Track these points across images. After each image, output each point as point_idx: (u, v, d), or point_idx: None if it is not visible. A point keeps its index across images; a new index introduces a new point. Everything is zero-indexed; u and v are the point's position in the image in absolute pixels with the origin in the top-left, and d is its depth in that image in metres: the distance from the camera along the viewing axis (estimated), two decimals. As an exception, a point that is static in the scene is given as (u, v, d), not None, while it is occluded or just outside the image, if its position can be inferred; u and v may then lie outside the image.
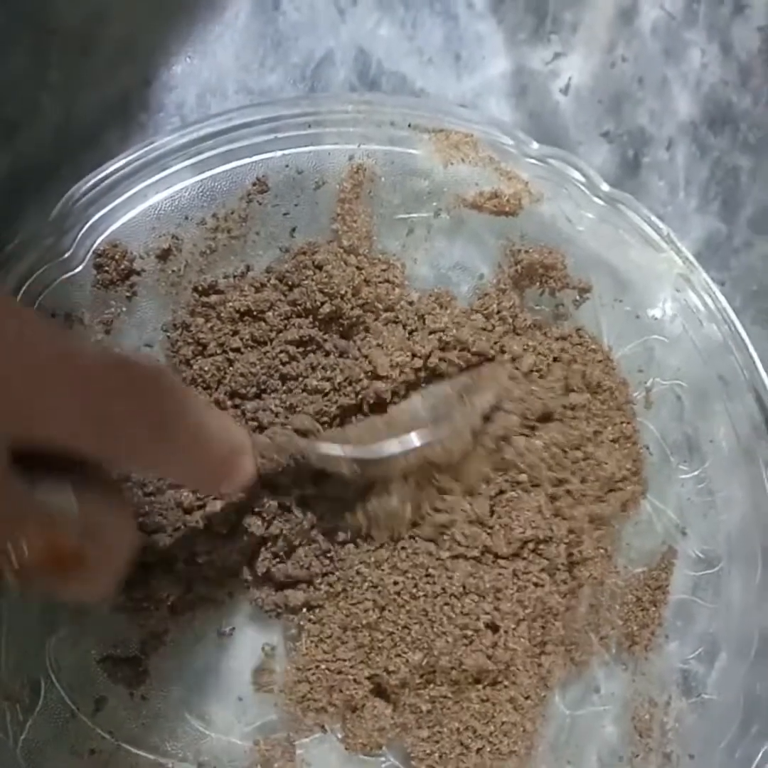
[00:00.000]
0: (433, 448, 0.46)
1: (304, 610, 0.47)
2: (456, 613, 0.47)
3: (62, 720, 0.43)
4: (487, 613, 0.47)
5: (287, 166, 0.47)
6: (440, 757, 0.47)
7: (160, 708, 0.45)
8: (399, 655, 0.47)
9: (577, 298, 0.51)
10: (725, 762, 0.51)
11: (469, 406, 0.47)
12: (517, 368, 0.49)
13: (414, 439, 0.46)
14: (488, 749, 0.48)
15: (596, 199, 0.51)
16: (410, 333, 0.48)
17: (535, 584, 0.49)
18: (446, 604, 0.47)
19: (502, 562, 0.48)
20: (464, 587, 0.47)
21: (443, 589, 0.47)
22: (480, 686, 0.48)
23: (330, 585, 0.47)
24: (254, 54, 0.49)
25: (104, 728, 0.43)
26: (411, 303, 0.48)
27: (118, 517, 0.33)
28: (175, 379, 0.39)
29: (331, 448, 0.44)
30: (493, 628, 0.48)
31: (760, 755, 0.51)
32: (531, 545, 0.49)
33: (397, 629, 0.47)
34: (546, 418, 0.49)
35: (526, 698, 0.49)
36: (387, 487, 0.46)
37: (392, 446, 0.45)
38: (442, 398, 0.47)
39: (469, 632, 0.47)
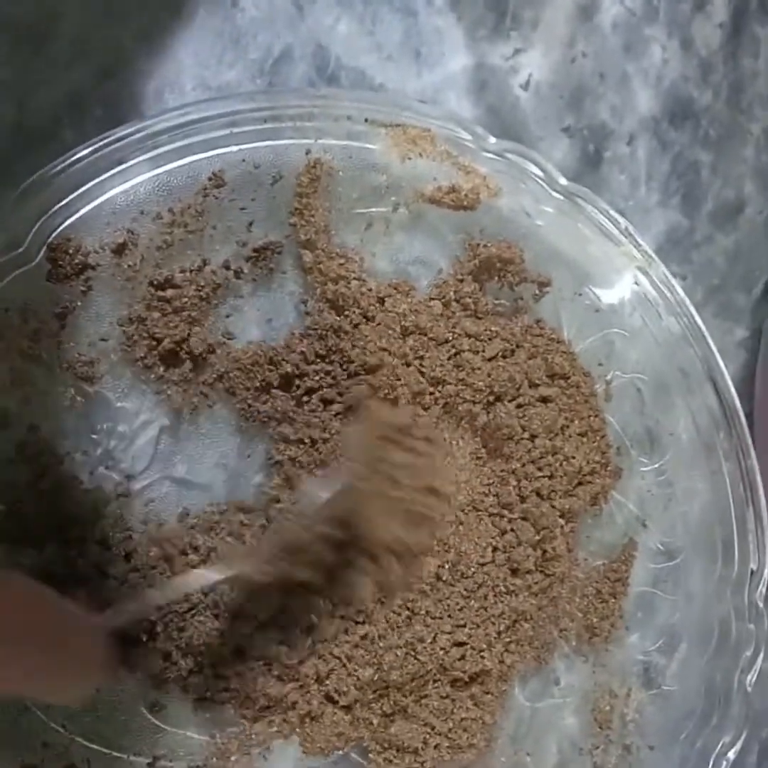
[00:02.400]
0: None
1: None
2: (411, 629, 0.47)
3: (14, 713, 0.43)
4: (448, 633, 0.48)
5: (244, 160, 0.47)
6: (398, 750, 0.47)
7: (114, 701, 0.44)
8: (349, 675, 0.47)
9: (537, 291, 0.52)
10: (685, 753, 0.52)
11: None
12: (479, 352, 0.49)
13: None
14: (446, 744, 0.48)
15: (554, 194, 0.51)
16: (368, 320, 0.48)
17: (507, 593, 0.49)
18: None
19: (465, 582, 0.48)
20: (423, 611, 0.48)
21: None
22: (439, 685, 0.48)
23: None
24: (212, 50, 0.49)
25: (57, 722, 0.43)
26: (370, 289, 0.48)
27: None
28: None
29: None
30: (459, 644, 0.48)
31: (719, 746, 0.51)
32: (499, 557, 0.49)
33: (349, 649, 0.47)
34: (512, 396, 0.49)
35: (487, 693, 0.49)
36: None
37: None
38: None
39: (420, 646, 0.47)
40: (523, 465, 0.49)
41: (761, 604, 0.52)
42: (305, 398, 0.47)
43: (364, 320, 0.48)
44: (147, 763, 0.45)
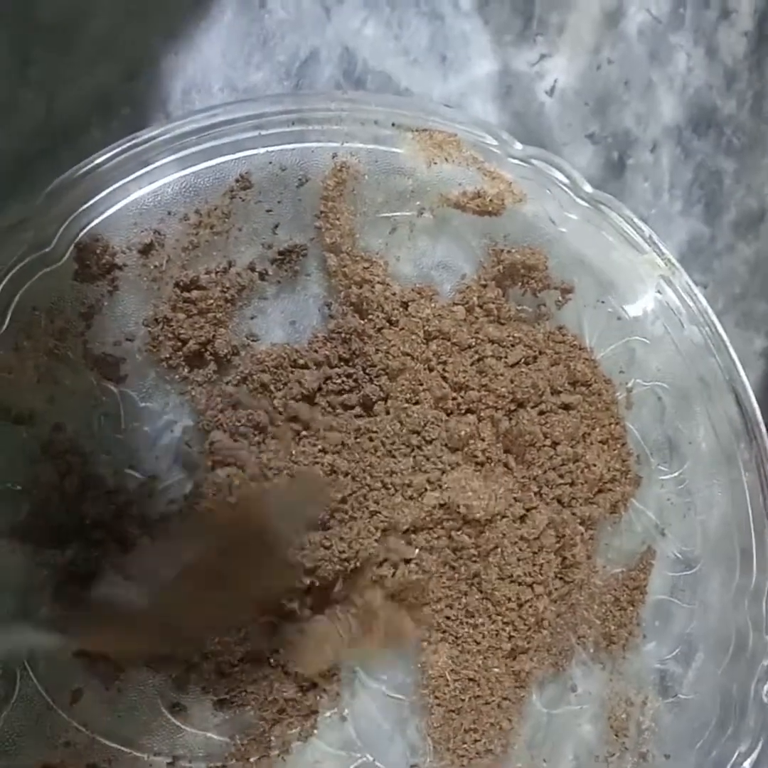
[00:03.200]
0: None
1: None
2: None
3: (37, 712, 0.43)
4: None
5: (271, 163, 0.47)
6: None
7: (135, 701, 0.44)
8: None
9: (560, 298, 0.52)
10: (701, 762, 0.52)
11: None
12: (501, 358, 0.49)
13: None
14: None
15: (579, 200, 0.51)
16: (391, 324, 0.48)
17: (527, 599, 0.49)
18: None
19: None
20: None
21: None
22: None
23: None
24: (240, 51, 0.49)
25: (79, 721, 0.43)
26: (394, 294, 0.48)
27: None
28: None
29: None
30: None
31: (735, 755, 0.51)
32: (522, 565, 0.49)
33: None
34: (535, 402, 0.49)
35: (504, 699, 0.49)
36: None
37: None
38: None
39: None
40: (545, 472, 0.49)
41: (778, 615, 0.52)
42: (326, 402, 0.47)
43: (388, 324, 0.48)
44: (167, 763, 0.45)
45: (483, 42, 0.54)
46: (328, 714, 0.47)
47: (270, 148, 0.47)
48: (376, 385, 0.47)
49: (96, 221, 0.44)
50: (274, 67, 0.50)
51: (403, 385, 0.47)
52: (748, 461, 0.53)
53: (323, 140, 0.48)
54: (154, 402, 0.46)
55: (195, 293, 0.45)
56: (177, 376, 0.46)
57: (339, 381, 0.46)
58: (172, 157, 0.45)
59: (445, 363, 0.48)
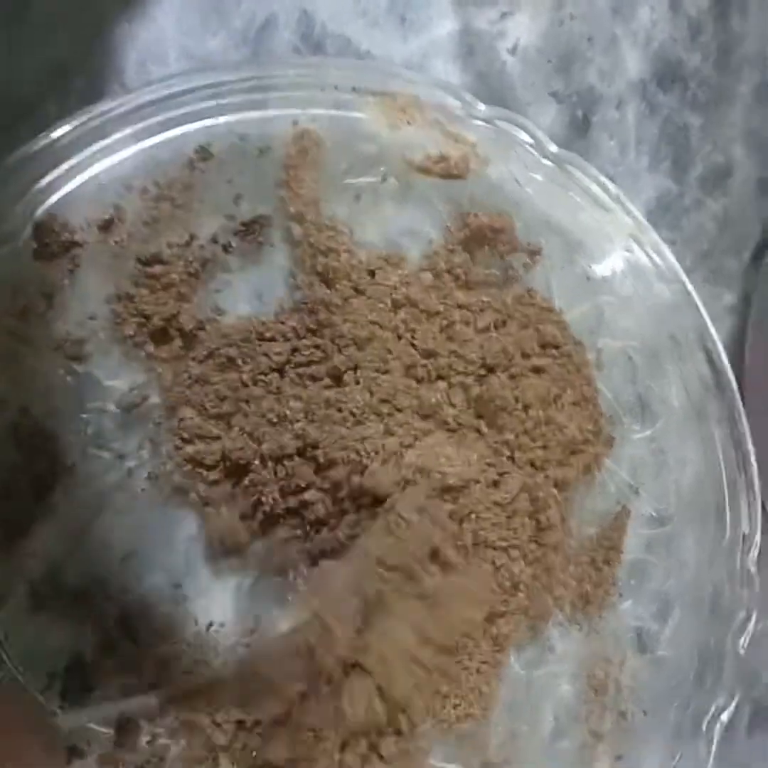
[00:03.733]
0: None
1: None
2: None
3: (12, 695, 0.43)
4: None
5: (230, 132, 0.46)
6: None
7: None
8: None
9: (527, 261, 0.51)
10: (679, 716, 0.52)
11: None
12: (470, 323, 0.49)
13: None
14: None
15: (544, 161, 0.51)
16: (358, 293, 0.47)
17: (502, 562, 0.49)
18: None
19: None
20: None
21: None
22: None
23: None
24: (195, 18, 0.48)
25: (54, 704, 0.43)
26: (360, 262, 0.48)
27: None
28: None
29: None
30: None
31: (712, 709, 0.52)
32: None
33: None
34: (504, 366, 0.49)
35: (483, 663, 0.49)
36: None
37: None
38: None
39: None
40: (517, 436, 0.49)
41: (753, 569, 0.53)
42: (295, 373, 0.46)
43: (355, 293, 0.47)
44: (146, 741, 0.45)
45: (443, 2, 0.53)
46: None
47: (229, 117, 0.46)
48: (344, 355, 0.46)
49: (54, 198, 0.43)
50: (231, 34, 0.49)
51: (371, 354, 0.47)
52: (720, 418, 0.53)
53: (283, 107, 0.47)
54: (120, 380, 0.45)
55: (157, 268, 0.45)
56: (142, 353, 0.45)
57: (307, 353, 0.46)
58: (129, 129, 0.45)
59: (413, 330, 0.48)
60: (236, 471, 0.45)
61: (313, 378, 0.46)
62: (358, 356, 0.46)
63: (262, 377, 0.45)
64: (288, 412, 0.45)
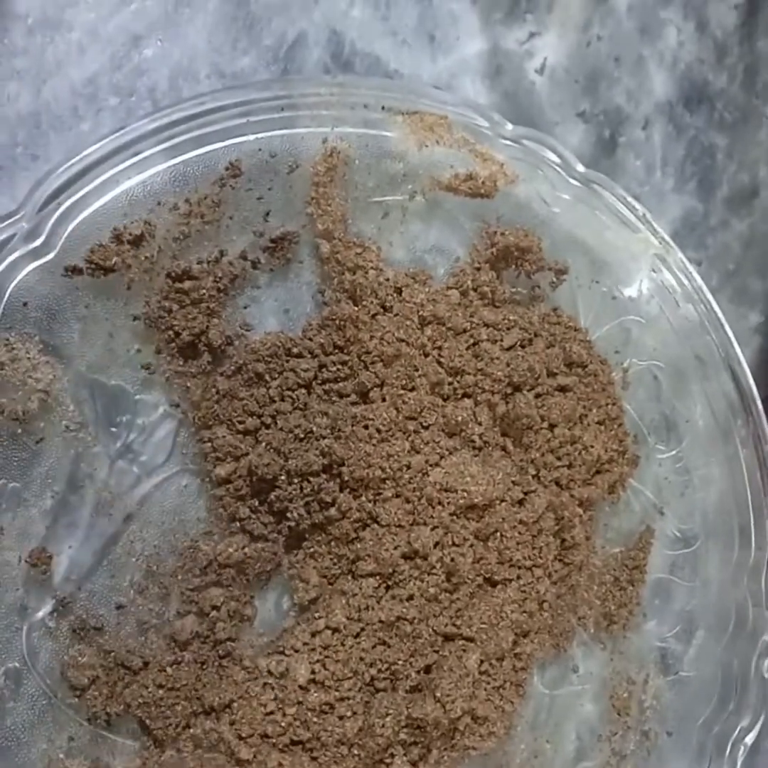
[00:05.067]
0: None
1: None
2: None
3: (40, 708, 0.43)
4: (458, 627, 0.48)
5: (260, 149, 0.46)
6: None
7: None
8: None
9: (554, 279, 0.51)
10: (703, 738, 0.52)
11: None
12: (497, 341, 0.49)
13: None
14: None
15: (572, 180, 0.51)
16: (386, 310, 0.47)
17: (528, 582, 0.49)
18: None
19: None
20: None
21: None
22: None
23: None
24: (226, 36, 0.49)
25: (82, 716, 0.43)
26: (387, 279, 0.48)
27: None
28: None
29: None
30: (469, 639, 0.48)
31: (736, 731, 0.52)
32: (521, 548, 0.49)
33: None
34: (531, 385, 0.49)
35: (506, 681, 0.49)
36: None
37: None
38: None
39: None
40: (542, 455, 0.49)
41: (778, 590, 0.52)
42: (322, 390, 0.46)
43: (382, 310, 0.47)
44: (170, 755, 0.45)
45: (472, 21, 0.53)
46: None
47: (259, 135, 0.46)
48: (371, 371, 0.46)
49: (85, 213, 0.44)
50: (261, 52, 0.49)
51: (398, 371, 0.47)
52: (745, 438, 0.53)
53: (313, 125, 0.47)
54: (149, 394, 0.46)
55: (187, 284, 0.45)
56: (171, 368, 0.46)
57: (334, 369, 0.46)
58: (161, 146, 0.45)
59: (440, 348, 0.48)
60: (263, 486, 0.46)
61: (340, 394, 0.46)
62: (385, 373, 0.46)
63: (290, 393, 0.45)
64: (314, 428, 0.45)
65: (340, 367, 0.46)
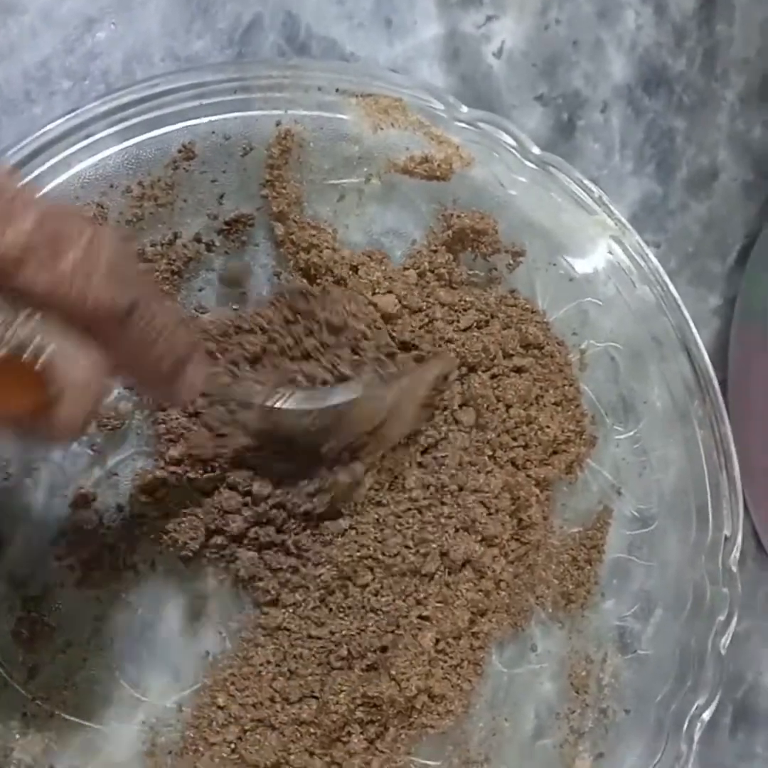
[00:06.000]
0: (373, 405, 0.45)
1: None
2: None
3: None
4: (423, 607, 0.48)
5: (214, 132, 0.46)
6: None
7: (93, 674, 0.45)
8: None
9: (511, 262, 0.52)
10: (660, 715, 0.53)
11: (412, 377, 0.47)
12: (455, 321, 0.49)
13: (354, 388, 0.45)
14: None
15: (528, 163, 0.51)
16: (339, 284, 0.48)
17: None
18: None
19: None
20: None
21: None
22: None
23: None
24: (181, 20, 0.49)
25: (37, 695, 0.44)
26: (343, 257, 0.48)
27: (87, 352, 0.31)
28: None
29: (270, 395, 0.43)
30: (425, 617, 0.48)
31: (693, 708, 0.52)
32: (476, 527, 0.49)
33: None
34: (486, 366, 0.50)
35: (464, 660, 0.49)
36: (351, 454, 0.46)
37: (336, 395, 0.44)
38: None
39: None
40: (498, 435, 0.49)
41: (735, 569, 0.53)
42: (269, 363, 0.46)
43: (336, 286, 0.48)
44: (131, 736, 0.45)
45: (428, 5, 0.53)
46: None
47: (212, 118, 0.46)
48: (316, 339, 0.46)
49: (37, 195, 0.44)
50: (216, 36, 0.49)
51: (343, 341, 0.47)
52: (702, 419, 0.54)
53: (266, 108, 0.47)
54: (104, 377, 0.46)
55: (141, 267, 0.45)
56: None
57: (282, 342, 0.46)
58: (113, 128, 0.45)
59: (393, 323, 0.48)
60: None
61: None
62: (331, 341, 0.46)
63: (234, 367, 0.45)
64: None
65: (288, 339, 0.46)
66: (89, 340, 0.31)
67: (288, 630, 0.47)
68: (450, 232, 0.50)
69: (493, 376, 0.50)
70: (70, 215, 0.32)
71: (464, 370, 0.49)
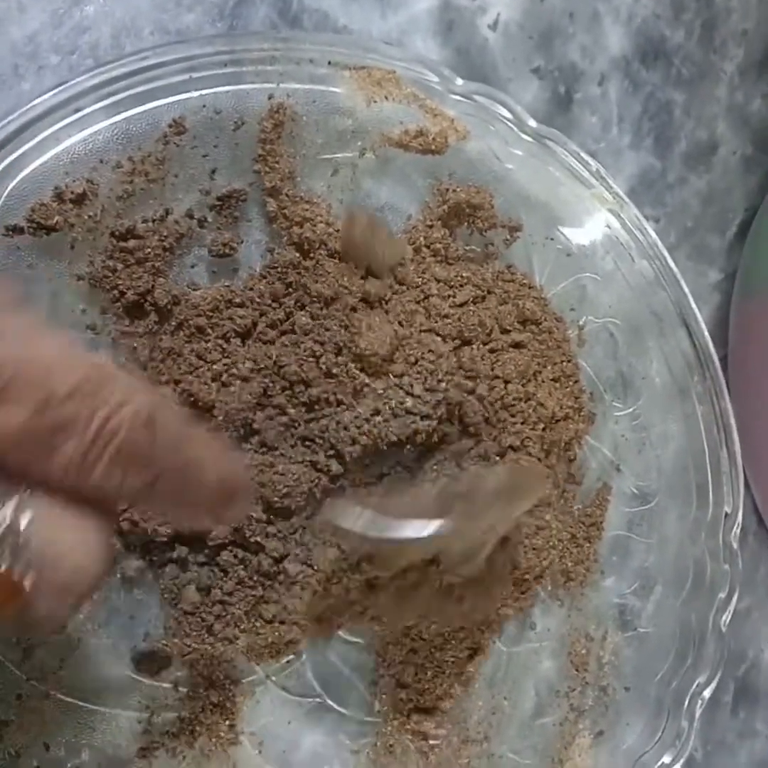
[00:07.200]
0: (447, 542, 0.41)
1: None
2: None
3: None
4: None
5: (205, 106, 0.46)
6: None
7: (89, 655, 0.44)
8: None
9: (508, 237, 0.51)
10: (661, 693, 0.52)
11: (504, 510, 0.43)
12: (450, 296, 0.49)
13: (434, 527, 0.40)
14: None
15: (524, 136, 0.51)
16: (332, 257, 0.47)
17: None
18: None
19: None
20: None
21: None
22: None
23: None
24: (171, -8, 0.48)
25: (32, 676, 0.43)
26: (337, 231, 0.47)
27: (83, 537, 0.27)
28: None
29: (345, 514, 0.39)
30: None
31: (694, 685, 0.52)
32: None
33: None
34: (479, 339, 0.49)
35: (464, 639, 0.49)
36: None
37: (410, 529, 0.39)
38: (478, 491, 0.43)
39: None
40: (496, 411, 0.49)
41: (736, 545, 0.52)
42: (260, 338, 0.46)
43: (328, 259, 0.47)
44: (137, 721, 0.45)
45: (422, -24, 0.52)
46: (285, 660, 0.47)
47: (203, 92, 0.45)
48: (308, 311, 0.46)
49: (26, 171, 0.43)
50: (207, 9, 0.49)
51: (334, 314, 0.46)
52: (702, 394, 0.53)
53: (258, 81, 0.46)
54: (95, 355, 0.45)
55: (132, 243, 0.44)
56: (117, 329, 0.45)
57: (272, 315, 0.45)
58: (102, 103, 0.44)
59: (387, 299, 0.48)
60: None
61: (273, 342, 0.46)
62: (321, 314, 0.46)
63: (222, 342, 0.45)
64: (237, 371, 0.45)
65: (279, 312, 0.46)
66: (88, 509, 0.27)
67: None
68: (445, 206, 0.49)
69: (491, 351, 0.49)
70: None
71: (459, 343, 0.48)
